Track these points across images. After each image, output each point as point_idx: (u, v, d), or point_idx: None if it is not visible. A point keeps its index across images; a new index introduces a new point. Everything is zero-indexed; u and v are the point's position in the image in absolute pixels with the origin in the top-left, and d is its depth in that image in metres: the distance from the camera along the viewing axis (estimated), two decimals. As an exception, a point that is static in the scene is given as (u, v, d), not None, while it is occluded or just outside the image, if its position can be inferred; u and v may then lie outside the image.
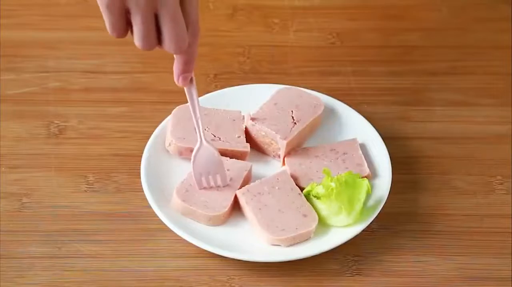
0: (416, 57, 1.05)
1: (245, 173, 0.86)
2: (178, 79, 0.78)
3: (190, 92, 0.80)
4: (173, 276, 0.82)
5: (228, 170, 0.86)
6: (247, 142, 0.90)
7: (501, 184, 0.90)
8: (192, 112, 0.82)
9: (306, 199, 0.85)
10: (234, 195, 0.85)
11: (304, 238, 0.82)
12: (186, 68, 0.77)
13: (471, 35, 1.08)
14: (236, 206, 0.85)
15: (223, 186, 0.85)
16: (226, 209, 0.83)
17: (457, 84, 1.02)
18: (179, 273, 0.82)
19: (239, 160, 0.88)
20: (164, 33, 0.72)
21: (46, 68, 1.02)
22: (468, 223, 0.87)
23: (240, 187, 0.85)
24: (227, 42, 1.07)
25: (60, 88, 1.00)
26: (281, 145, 0.89)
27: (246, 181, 0.87)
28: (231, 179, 0.86)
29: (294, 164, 0.89)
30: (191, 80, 0.79)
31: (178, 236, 0.82)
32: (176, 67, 0.77)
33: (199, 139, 0.84)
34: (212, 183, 0.85)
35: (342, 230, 0.83)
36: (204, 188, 0.85)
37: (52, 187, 0.89)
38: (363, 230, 0.83)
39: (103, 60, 1.03)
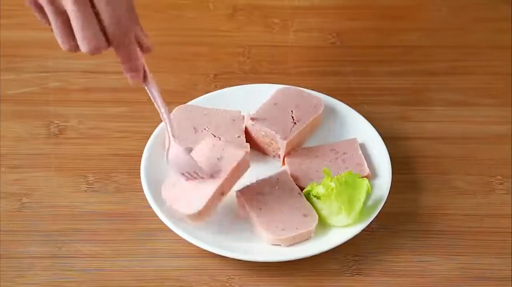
0: (416, 57, 1.05)
1: (235, 163, 0.83)
2: (129, 80, 0.76)
3: (150, 90, 0.78)
4: (173, 276, 0.82)
5: (218, 158, 0.83)
6: (247, 142, 0.90)
7: (501, 184, 0.90)
8: (158, 110, 0.80)
9: (306, 199, 0.85)
10: (214, 189, 0.81)
11: (304, 238, 0.82)
12: (129, 67, 0.74)
13: (471, 35, 1.08)
14: (210, 208, 0.82)
15: (208, 178, 0.82)
16: (201, 208, 0.81)
17: (457, 84, 1.02)
18: (179, 273, 0.82)
19: (235, 148, 0.84)
20: (74, 32, 0.70)
21: (46, 68, 1.02)
22: (468, 223, 0.87)
23: (232, 177, 0.83)
24: (227, 42, 1.07)
25: (60, 88, 1.00)
26: (281, 145, 0.89)
27: (242, 168, 0.84)
28: (218, 171, 0.82)
29: (294, 164, 0.89)
30: (145, 78, 0.77)
31: (178, 236, 0.82)
32: (122, 68, 0.75)
33: (167, 139, 0.82)
34: (195, 176, 0.82)
35: (342, 230, 0.83)
36: (190, 180, 0.82)
37: (52, 187, 0.89)
38: (363, 230, 0.83)
39: (103, 60, 1.03)
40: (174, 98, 0.96)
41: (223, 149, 0.84)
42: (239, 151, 0.83)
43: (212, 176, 0.82)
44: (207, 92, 0.96)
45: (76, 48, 0.71)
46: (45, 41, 1.05)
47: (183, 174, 0.82)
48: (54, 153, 0.93)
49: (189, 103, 0.94)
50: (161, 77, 1.01)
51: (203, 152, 0.84)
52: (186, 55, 1.05)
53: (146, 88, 0.78)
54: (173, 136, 0.81)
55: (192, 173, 0.82)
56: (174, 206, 0.82)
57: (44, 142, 0.94)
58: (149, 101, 0.97)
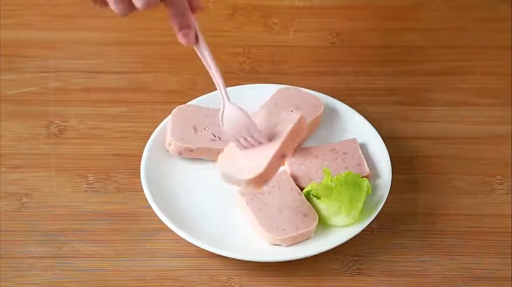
0: (416, 57, 1.05)
1: (292, 125, 0.80)
2: (180, 38, 0.75)
3: (200, 51, 0.77)
4: (173, 276, 0.82)
5: (275, 123, 0.81)
6: None
7: (501, 184, 0.90)
8: (210, 72, 0.78)
9: (306, 199, 0.85)
10: (275, 150, 0.78)
11: (304, 238, 0.82)
12: (182, 24, 0.74)
13: (471, 35, 1.07)
14: (272, 170, 0.79)
15: (266, 142, 0.79)
16: (263, 170, 0.77)
17: (457, 84, 1.01)
18: (179, 273, 0.82)
19: (290, 113, 0.82)
20: None
21: (46, 68, 1.02)
22: (468, 223, 0.87)
23: (291, 139, 0.80)
24: (227, 42, 1.06)
25: (60, 88, 1.00)
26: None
27: (299, 131, 0.82)
28: (276, 135, 0.80)
29: (294, 164, 0.89)
30: (197, 38, 0.75)
31: (178, 236, 0.82)
32: (173, 26, 0.74)
33: (222, 100, 0.79)
34: (252, 142, 0.79)
35: (342, 230, 0.83)
36: (246, 148, 0.80)
37: (52, 187, 0.89)
38: (363, 230, 0.83)
39: (103, 60, 1.03)
40: (174, 98, 0.96)
41: (279, 115, 0.82)
42: (295, 114, 0.81)
43: (270, 140, 0.80)
44: (207, 92, 0.96)
45: (128, 7, 0.71)
46: (45, 41, 1.05)
47: (239, 141, 0.79)
48: (54, 153, 0.92)
49: (189, 103, 0.94)
50: (161, 77, 1.01)
51: (259, 120, 0.82)
52: (186, 55, 1.05)
53: (196, 49, 0.77)
54: (227, 98, 0.79)
55: (250, 138, 0.79)
56: (235, 174, 0.78)
57: (44, 142, 0.94)
58: (149, 101, 0.99)
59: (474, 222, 0.87)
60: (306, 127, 0.83)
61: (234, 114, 0.79)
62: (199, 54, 0.77)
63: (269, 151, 0.79)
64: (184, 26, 0.74)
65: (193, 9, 0.75)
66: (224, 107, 0.79)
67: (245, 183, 0.78)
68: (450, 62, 1.04)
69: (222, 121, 0.80)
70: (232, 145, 0.81)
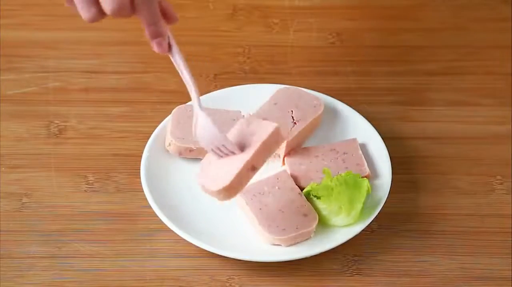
0: (416, 57, 1.05)
1: (265, 136, 0.78)
2: (153, 47, 0.74)
3: (174, 59, 0.76)
4: (173, 276, 0.82)
5: (251, 134, 0.79)
6: None
7: (501, 184, 0.90)
8: (184, 80, 0.77)
9: (306, 199, 0.85)
10: (243, 164, 0.77)
11: (304, 238, 0.82)
12: (154, 32, 0.73)
13: (471, 35, 1.07)
14: (241, 182, 0.78)
15: (239, 152, 0.78)
16: (227, 183, 0.76)
17: (457, 84, 1.01)
18: (179, 273, 0.82)
19: (267, 123, 0.80)
20: None
21: (46, 68, 1.02)
22: (468, 223, 0.86)
23: (264, 150, 0.78)
24: (227, 42, 1.06)
25: (60, 88, 1.00)
26: (281, 145, 0.89)
27: (274, 141, 0.79)
28: (249, 145, 0.78)
29: (294, 164, 0.89)
30: (170, 46, 0.75)
31: (178, 236, 0.82)
32: (147, 34, 0.74)
33: (195, 108, 0.79)
34: (226, 152, 0.78)
35: (342, 230, 0.83)
36: (221, 157, 0.79)
37: (52, 187, 0.89)
38: (363, 230, 0.83)
39: (103, 60, 1.03)
40: (174, 98, 0.96)
41: (256, 125, 0.80)
42: (270, 125, 0.80)
43: (242, 150, 0.78)
44: (207, 92, 0.96)
45: (97, 14, 0.70)
46: (45, 41, 1.05)
47: (213, 150, 0.79)
48: (54, 153, 0.92)
49: (189, 103, 0.93)
50: (161, 77, 1.01)
51: (236, 129, 0.81)
52: (186, 55, 1.03)
53: (171, 57, 0.76)
54: (200, 107, 0.78)
55: (221, 147, 0.78)
56: (204, 183, 0.78)
57: (44, 142, 0.94)
58: (149, 101, 0.99)
59: (474, 222, 0.86)
60: (283, 139, 0.81)
61: (205, 125, 0.78)
62: (173, 62, 0.77)
63: (239, 162, 0.78)
64: (157, 34, 0.74)
65: (168, 20, 0.75)
66: (197, 117, 0.79)
67: (215, 194, 0.78)
68: (450, 62, 1.04)
69: (195, 130, 0.79)
70: (209, 154, 0.80)
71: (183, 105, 0.93)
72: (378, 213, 0.84)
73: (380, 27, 1.08)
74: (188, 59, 1.03)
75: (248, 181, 0.79)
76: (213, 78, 1.02)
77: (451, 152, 0.93)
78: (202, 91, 0.96)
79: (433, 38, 1.07)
